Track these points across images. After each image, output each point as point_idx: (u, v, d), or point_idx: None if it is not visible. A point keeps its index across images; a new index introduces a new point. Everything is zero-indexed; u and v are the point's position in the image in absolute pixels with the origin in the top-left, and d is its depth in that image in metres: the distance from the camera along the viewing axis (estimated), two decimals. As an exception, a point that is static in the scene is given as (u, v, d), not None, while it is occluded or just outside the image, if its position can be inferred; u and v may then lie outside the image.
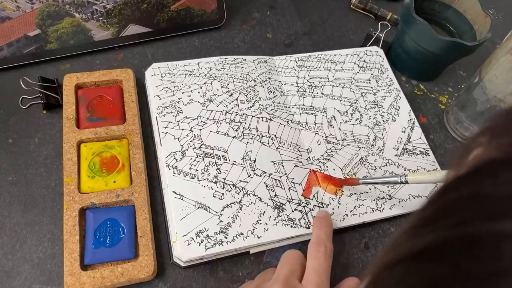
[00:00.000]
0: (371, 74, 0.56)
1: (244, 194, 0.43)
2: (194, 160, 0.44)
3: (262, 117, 0.49)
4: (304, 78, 0.54)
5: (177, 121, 0.46)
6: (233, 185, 0.43)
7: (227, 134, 0.47)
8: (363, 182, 0.44)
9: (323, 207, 0.44)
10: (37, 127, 0.47)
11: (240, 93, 0.50)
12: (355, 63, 0.56)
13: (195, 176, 0.43)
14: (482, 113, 0.49)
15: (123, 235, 0.40)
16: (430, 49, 0.51)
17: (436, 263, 0.12)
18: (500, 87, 0.45)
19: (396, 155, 0.50)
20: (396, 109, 0.53)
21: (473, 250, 0.12)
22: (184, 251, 0.39)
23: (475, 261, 0.12)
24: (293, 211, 0.43)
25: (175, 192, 0.42)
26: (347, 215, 0.44)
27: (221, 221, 0.41)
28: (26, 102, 0.49)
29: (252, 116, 0.49)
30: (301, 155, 0.48)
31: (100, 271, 0.39)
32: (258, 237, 0.41)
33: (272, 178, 0.45)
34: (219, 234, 0.40)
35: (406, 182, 0.41)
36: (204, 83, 0.50)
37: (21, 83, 0.47)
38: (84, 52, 0.53)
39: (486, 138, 0.15)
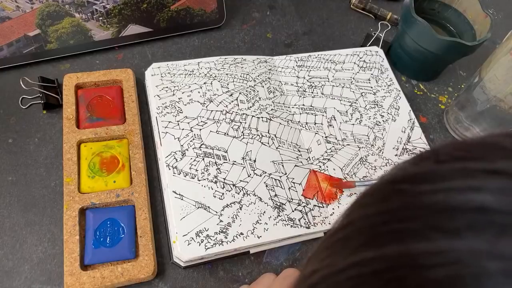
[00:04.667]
0: (371, 74, 0.56)
1: (244, 194, 0.43)
2: (194, 160, 0.44)
3: (262, 117, 0.49)
4: (304, 78, 0.54)
5: (177, 121, 0.46)
6: (233, 185, 0.43)
7: (227, 134, 0.47)
8: (360, 184, 0.44)
9: (323, 207, 0.44)
10: (37, 127, 0.47)
11: (240, 93, 0.50)
12: (355, 63, 0.56)
13: (195, 176, 0.43)
14: (482, 113, 0.49)
15: (123, 235, 0.40)
16: (430, 49, 0.51)
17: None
18: (500, 87, 0.45)
19: (396, 155, 0.50)
20: (396, 109, 0.53)
21: None
22: (184, 251, 0.39)
23: None
24: (293, 211, 0.43)
25: (175, 192, 0.42)
26: (347, 215, 0.44)
27: (221, 221, 0.41)
28: (26, 102, 0.49)
29: (252, 116, 0.49)
30: (301, 155, 0.48)
31: (100, 271, 0.38)
32: (258, 237, 0.41)
33: (272, 178, 0.45)
34: (219, 234, 0.40)
35: None
36: (204, 83, 0.50)
37: (21, 83, 0.47)
38: (84, 52, 0.53)
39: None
